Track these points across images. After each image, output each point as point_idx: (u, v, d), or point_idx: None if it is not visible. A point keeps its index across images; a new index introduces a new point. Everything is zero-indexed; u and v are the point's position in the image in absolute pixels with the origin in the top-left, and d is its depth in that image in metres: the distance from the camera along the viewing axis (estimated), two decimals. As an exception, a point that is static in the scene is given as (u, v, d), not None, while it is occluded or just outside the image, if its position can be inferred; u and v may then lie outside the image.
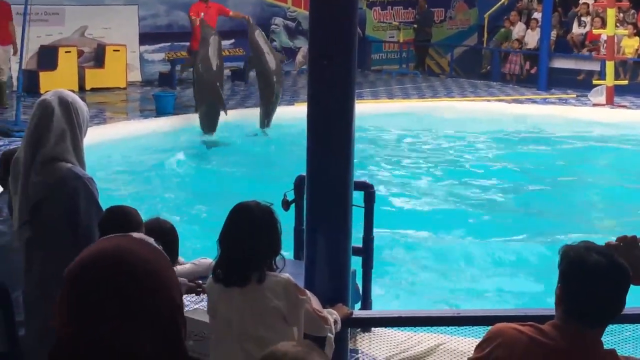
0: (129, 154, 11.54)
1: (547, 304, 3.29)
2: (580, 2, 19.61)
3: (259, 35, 12.90)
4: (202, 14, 13.95)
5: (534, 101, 16.39)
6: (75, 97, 3.90)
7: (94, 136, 9.97)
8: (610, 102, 15.80)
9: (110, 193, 8.37)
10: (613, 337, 4.00)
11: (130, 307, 3.16)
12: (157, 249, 3.15)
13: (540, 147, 12.99)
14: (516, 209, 9.71)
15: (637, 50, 17.78)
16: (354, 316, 4.09)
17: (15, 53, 13.38)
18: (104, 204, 3.81)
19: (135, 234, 3.13)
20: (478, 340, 2.84)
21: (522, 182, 10.84)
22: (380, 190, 7.98)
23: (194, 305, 5.14)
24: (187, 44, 15.75)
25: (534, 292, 6.89)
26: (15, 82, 13.45)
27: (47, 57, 15.95)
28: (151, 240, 3.17)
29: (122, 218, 3.56)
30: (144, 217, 3.85)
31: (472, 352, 2.83)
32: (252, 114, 13.41)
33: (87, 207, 3.73)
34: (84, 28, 16.98)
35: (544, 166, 11.76)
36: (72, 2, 16.78)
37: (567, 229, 8.54)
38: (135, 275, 3.14)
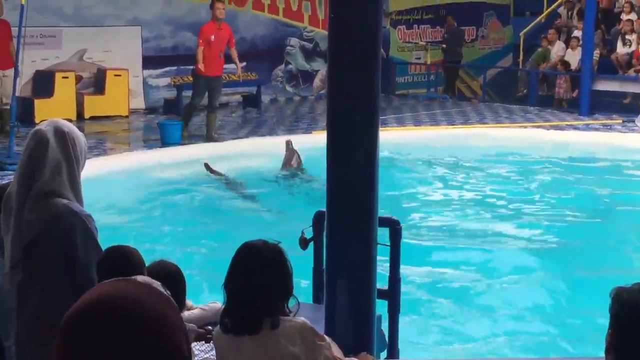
0: (131, 188, 11.56)
1: (596, 352, 3.24)
2: (623, 19, 19.61)
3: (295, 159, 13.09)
4: (213, 37, 14.00)
5: (575, 127, 16.34)
6: (72, 127, 3.91)
7: (93, 169, 10.03)
8: (659, 127, 15.75)
9: (111, 231, 8.35)
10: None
11: (131, 358, 3.13)
12: (164, 296, 3.11)
13: (583, 177, 12.91)
14: (557, 245, 9.64)
15: (688, 70, 17.73)
16: (379, 366, 4.05)
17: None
18: (104, 243, 3.80)
19: (140, 278, 3.09)
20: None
21: (563, 216, 10.77)
22: (407, 227, 7.95)
23: (204, 354, 5.11)
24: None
25: (581, 336, 6.82)
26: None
27: (43, 83, 16.07)
28: (158, 284, 3.13)
29: (122, 259, 3.55)
30: (149, 257, 3.85)
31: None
32: (265, 143, 13.43)
33: (85, 247, 3.72)
34: (83, 51, 17.10)
35: (587, 198, 11.69)
36: (70, 23, 16.93)
37: (615, 267, 8.47)
38: (137, 325, 3.11)
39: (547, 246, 9.62)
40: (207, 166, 12.44)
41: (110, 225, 8.98)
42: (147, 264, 3.88)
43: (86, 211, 3.81)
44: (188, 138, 14.11)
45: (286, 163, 12.94)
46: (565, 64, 19.58)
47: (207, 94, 14.19)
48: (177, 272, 4.03)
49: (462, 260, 8.86)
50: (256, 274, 3.45)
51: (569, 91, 19.38)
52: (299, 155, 12.96)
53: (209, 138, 14.07)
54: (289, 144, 13.11)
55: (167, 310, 3.28)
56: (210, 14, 14.46)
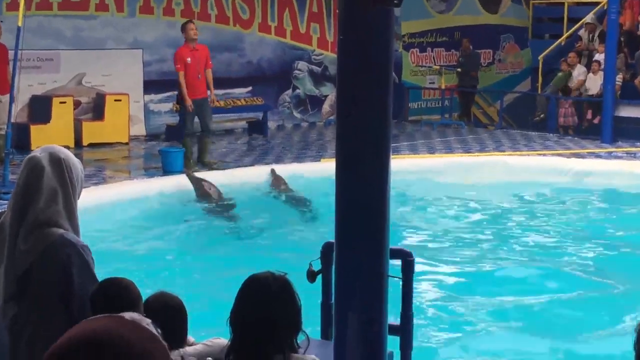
0: (131, 217, 11.57)
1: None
2: (648, 41, 19.65)
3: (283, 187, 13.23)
4: (189, 59, 14.07)
5: (597, 155, 16.31)
6: (68, 154, 3.91)
7: (91, 198, 10.06)
8: (686, 155, 15.73)
9: (109, 262, 8.36)
10: None
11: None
12: (150, 332, 3.07)
13: (606, 208, 12.89)
14: (579, 275, 9.60)
15: None
16: (391, 406, 4.03)
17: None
18: (101, 275, 3.80)
19: (127, 315, 3.06)
20: None
21: (585, 250, 10.73)
22: (420, 259, 7.93)
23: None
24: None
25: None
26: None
27: (40, 108, 16.13)
28: (147, 322, 3.10)
29: (116, 293, 3.54)
30: (149, 290, 3.84)
31: None
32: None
33: (81, 279, 3.72)
34: (82, 75, 17.18)
35: (611, 230, 11.66)
36: (68, 46, 17.01)
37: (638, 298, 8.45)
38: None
39: (567, 277, 9.58)
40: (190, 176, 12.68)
41: (109, 257, 8.98)
42: (147, 296, 3.88)
43: (83, 241, 3.81)
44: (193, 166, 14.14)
45: (273, 189, 13.19)
46: (564, 90, 19.61)
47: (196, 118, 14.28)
48: (178, 305, 4.01)
49: (478, 294, 8.83)
50: (264, 308, 3.43)
51: (574, 118, 19.51)
52: (284, 181, 13.21)
53: (202, 163, 14.13)
54: (273, 171, 13.46)
55: (152, 347, 3.26)
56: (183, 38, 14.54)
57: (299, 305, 3.48)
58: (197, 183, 12.65)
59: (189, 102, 13.97)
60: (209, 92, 14.50)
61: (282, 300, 3.44)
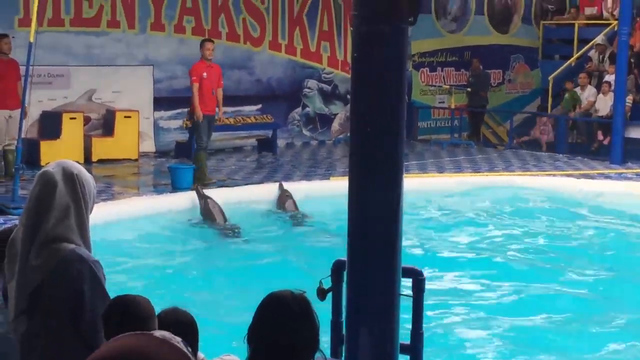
0: (141, 234, 11.58)
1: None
2: (658, 63, 19.65)
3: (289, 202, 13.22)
4: (205, 74, 14.18)
5: (607, 176, 16.29)
6: (80, 169, 3.91)
7: (101, 214, 10.04)
8: (696, 177, 15.69)
9: (119, 278, 8.37)
10: None
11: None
12: (184, 353, 3.02)
13: (616, 230, 12.85)
14: (588, 297, 9.57)
15: None
16: None
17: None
18: (112, 291, 3.79)
19: (158, 333, 3.01)
20: None
21: (596, 273, 10.69)
22: (431, 278, 7.91)
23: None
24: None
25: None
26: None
27: (50, 124, 16.17)
28: (178, 340, 3.05)
29: (130, 310, 3.53)
30: (159, 307, 3.82)
31: None
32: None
33: (92, 294, 3.71)
34: (92, 91, 17.22)
35: (621, 253, 11.61)
36: (79, 62, 17.06)
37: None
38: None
39: (576, 298, 9.55)
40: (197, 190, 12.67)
41: (119, 272, 9.00)
42: (158, 312, 3.86)
43: (94, 257, 3.80)
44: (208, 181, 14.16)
45: (280, 206, 13.11)
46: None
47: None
48: (190, 321, 4.00)
49: (488, 313, 8.80)
50: (285, 328, 3.41)
51: (550, 135, 19.73)
52: (291, 196, 13.17)
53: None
54: (281, 186, 13.47)
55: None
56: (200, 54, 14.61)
57: (318, 325, 3.46)
58: (204, 199, 12.62)
59: (200, 113, 14.03)
60: (217, 110, 14.60)
61: (302, 320, 3.42)
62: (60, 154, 13.85)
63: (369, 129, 3.84)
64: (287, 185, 13.75)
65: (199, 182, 13.72)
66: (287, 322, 3.42)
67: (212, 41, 14.99)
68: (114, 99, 17.40)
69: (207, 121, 14.31)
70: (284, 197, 13.32)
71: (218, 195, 12.85)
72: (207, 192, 12.95)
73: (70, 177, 3.83)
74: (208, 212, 12.47)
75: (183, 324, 3.94)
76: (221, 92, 14.64)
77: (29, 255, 3.75)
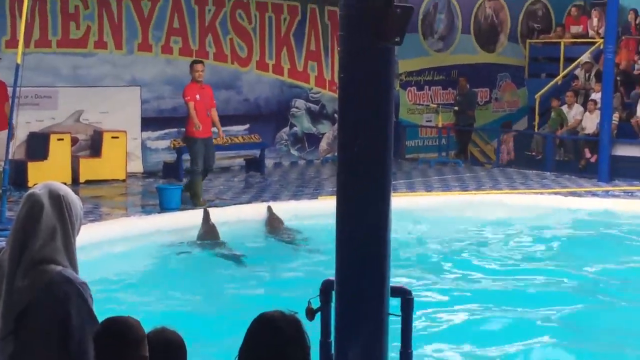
0: (128, 255, 11.55)
1: None
2: (644, 80, 19.74)
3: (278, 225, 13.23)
4: (198, 96, 14.12)
5: (594, 194, 16.34)
6: (67, 190, 3.90)
7: (88, 235, 10.01)
8: (683, 194, 15.74)
9: (107, 300, 8.33)
10: None
11: None
12: None
13: (603, 248, 12.86)
14: (576, 316, 9.56)
15: None
16: None
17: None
18: (100, 313, 3.77)
19: None
20: None
21: (584, 292, 10.68)
22: (419, 297, 7.89)
23: None
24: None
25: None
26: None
27: (37, 145, 16.15)
28: None
29: (121, 332, 3.51)
30: (148, 327, 3.81)
31: None
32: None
33: (79, 316, 3.70)
34: (79, 112, 17.21)
35: (609, 271, 11.61)
36: (67, 83, 17.06)
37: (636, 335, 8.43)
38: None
39: (564, 318, 9.54)
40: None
41: (107, 293, 8.95)
42: (148, 332, 3.84)
43: (81, 278, 3.79)
44: (189, 203, 14.08)
45: (269, 227, 13.14)
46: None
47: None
48: (179, 341, 3.98)
49: (476, 333, 8.79)
50: (276, 349, 3.40)
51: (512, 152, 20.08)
52: (280, 220, 13.16)
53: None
54: (270, 209, 13.41)
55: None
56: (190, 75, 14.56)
57: (309, 345, 3.46)
58: (207, 219, 12.59)
59: (199, 123, 13.94)
60: (214, 130, 14.50)
61: (293, 341, 3.42)
62: (48, 175, 13.82)
63: (357, 148, 3.83)
64: (275, 205, 13.74)
65: (196, 203, 13.74)
66: (278, 343, 3.41)
67: (202, 62, 14.92)
68: (102, 120, 17.39)
69: (203, 144, 14.17)
70: (272, 219, 13.31)
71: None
72: (199, 212, 12.93)
73: (56, 199, 3.82)
74: (208, 232, 12.45)
75: (172, 344, 3.92)
76: (216, 112, 14.58)
77: (15, 277, 3.74)
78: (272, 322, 3.46)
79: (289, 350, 3.40)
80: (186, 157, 17.30)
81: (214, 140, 14.69)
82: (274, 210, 13.51)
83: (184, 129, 14.71)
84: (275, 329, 3.44)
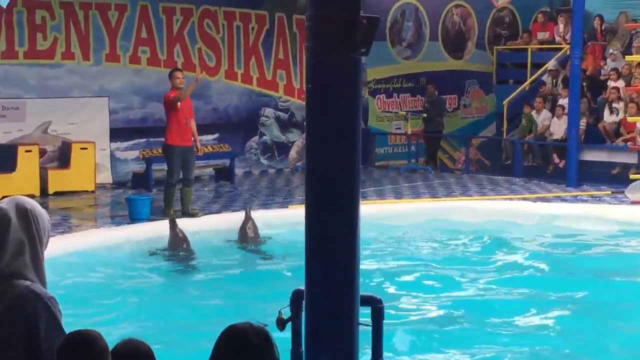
0: (98, 267, 11.47)
1: None
2: (610, 86, 19.88)
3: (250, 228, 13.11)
4: (179, 104, 14.01)
5: (563, 199, 16.44)
6: (34, 204, 3.88)
7: (57, 247, 9.97)
8: (650, 198, 15.86)
9: (76, 314, 8.28)
10: None
11: None
12: None
13: (572, 253, 12.94)
14: (548, 329, 9.60)
15: (678, 139, 17.93)
16: None
17: None
18: (69, 326, 3.75)
19: None
20: None
21: (553, 296, 10.74)
22: (389, 306, 7.91)
23: None
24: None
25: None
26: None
27: (5, 157, 16.03)
28: None
29: (84, 345, 3.50)
30: (117, 338, 3.79)
31: None
32: (239, 220, 13.39)
33: (48, 331, 3.68)
34: (47, 124, 17.12)
35: (578, 276, 11.68)
36: (34, 94, 16.97)
37: (605, 339, 8.46)
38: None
39: (533, 323, 9.59)
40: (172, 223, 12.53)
41: (75, 308, 8.89)
42: (115, 344, 3.83)
43: (50, 293, 3.77)
44: (159, 213, 14.02)
45: (242, 232, 13.01)
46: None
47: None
48: (146, 351, 3.97)
49: (448, 341, 8.81)
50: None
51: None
52: (255, 226, 13.04)
53: (185, 213, 14.01)
54: (247, 211, 13.25)
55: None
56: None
57: (278, 357, 3.46)
58: (174, 229, 12.50)
59: (193, 87, 13.96)
60: (194, 141, 14.37)
61: (262, 353, 3.41)
62: (16, 187, 13.79)
63: (325, 159, 3.84)
64: (243, 215, 13.64)
65: (167, 213, 13.67)
66: (247, 355, 3.40)
67: (181, 70, 14.84)
68: (70, 131, 17.31)
69: (181, 155, 14.01)
70: (246, 225, 13.16)
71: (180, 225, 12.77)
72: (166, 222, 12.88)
73: (23, 213, 3.80)
74: (177, 242, 12.38)
75: (140, 355, 3.91)
76: (194, 123, 14.43)
77: (-18, 293, 3.71)
78: (240, 333, 3.46)
79: None
80: (156, 167, 17.33)
81: (205, 149, 14.62)
82: (251, 215, 13.32)
83: (163, 138, 14.49)
84: (243, 341, 3.43)
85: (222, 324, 3.61)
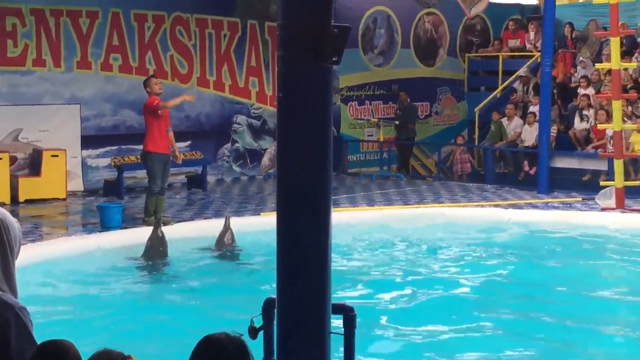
0: (69, 275, 11.41)
1: None
2: (580, 93, 20.02)
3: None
4: (159, 111, 13.91)
5: (534, 206, 16.53)
6: (5, 214, 3.87)
7: (28, 255, 9.91)
8: (620, 205, 15.97)
9: (48, 324, 8.24)
10: None
11: None
12: None
13: (544, 258, 13.00)
14: (518, 333, 9.64)
15: (648, 146, 18.07)
16: None
17: None
18: (40, 336, 3.74)
19: None
20: None
21: (524, 302, 10.79)
22: (361, 314, 7.92)
23: None
24: (137, 147, 15.81)
25: None
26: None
27: (-25, 165, 15.94)
28: None
29: (56, 355, 3.49)
30: (90, 350, 3.78)
31: None
32: (211, 227, 13.37)
33: (19, 342, 3.67)
34: (18, 131, 17.03)
35: (549, 281, 11.75)
36: (5, 101, 16.89)
37: (577, 345, 8.50)
38: None
39: (507, 332, 9.62)
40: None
41: (47, 317, 8.85)
42: (91, 355, 3.82)
43: (21, 303, 3.76)
44: (131, 221, 13.98)
45: (220, 239, 12.94)
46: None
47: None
48: (124, 360, 3.97)
49: (420, 349, 8.83)
50: None
51: (467, 164, 21.01)
52: (233, 234, 12.97)
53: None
54: (227, 219, 13.14)
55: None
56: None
57: None
58: (155, 235, 12.41)
59: (178, 100, 14.04)
60: (171, 149, 14.26)
61: None
62: (-14, 195, 13.69)
63: (296, 167, 3.85)
64: (218, 222, 13.56)
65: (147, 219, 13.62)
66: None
67: (155, 76, 14.79)
68: (41, 138, 17.22)
69: (162, 163, 13.92)
70: (225, 233, 13.07)
71: (146, 234, 12.71)
72: (141, 230, 12.82)
73: (-6, 223, 3.79)
74: (154, 248, 12.32)
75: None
76: (172, 132, 14.24)
77: (-47, 303, 3.69)
78: (216, 343, 3.47)
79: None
80: (128, 174, 17.27)
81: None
82: (230, 224, 13.23)
83: (135, 145, 14.39)
84: (219, 351, 3.44)
85: (196, 334, 3.62)
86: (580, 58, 21.74)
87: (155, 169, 13.93)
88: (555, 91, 19.98)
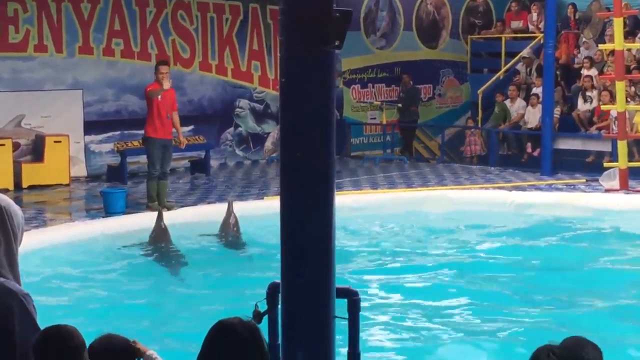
0: (73, 261, 11.43)
1: None
2: (583, 74, 19.97)
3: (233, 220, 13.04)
4: (160, 97, 13.92)
5: (537, 188, 16.51)
6: (8, 201, 3.87)
7: (31, 242, 9.93)
8: (624, 186, 15.94)
9: (51, 309, 8.26)
10: None
11: None
12: None
13: (548, 240, 13.00)
14: (523, 315, 9.64)
15: (652, 127, 18.04)
16: None
17: None
18: (44, 322, 3.75)
19: None
20: None
21: (529, 283, 10.80)
22: (366, 298, 7.93)
23: None
24: (139, 132, 15.81)
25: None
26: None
27: (-22, 151, 15.95)
28: None
29: (59, 340, 3.50)
30: (95, 334, 3.79)
31: None
32: (215, 211, 13.37)
33: (22, 328, 3.67)
34: (21, 117, 17.03)
35: (553, 263, 11.74)
36: (7, 88, 16.87)
37: (579, 327, 8.48)
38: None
39: (512, 315, 9.63)
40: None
41: (51, 303, 8.87)
42: (93, 340, 3.83)
43: (24, 290, 3.77)
44: (134, 206, 13.99)
45: (224, 225, 12.92)
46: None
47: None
48: (127, 346, 3.97)
49: (424, 332, 8.84)
50: (235, 355, 3.40)
51: (477, 147, 20.59)
52: (237, 219, 12.97)
53: (161, 206, 13.96)
54: (230, 204, 13.13)
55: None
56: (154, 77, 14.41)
57: (267, 350, 3.47)
58: (160, 222, 12.42)
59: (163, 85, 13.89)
60: (174, 133, 14.31)
61: (252, 347, 3.43)
62: (-10, 182, 13.70)
63: (299, 151, 3.85)
64: (222, 206, 13.56)
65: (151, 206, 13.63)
66: (237, 349, 3.41)
67: (167, 64, 14.75)
68: (44, 124, 17.22)
69: (161, 147, 13.99)
70: (229, 219, 13.05)
71: (150, 219, 12.71)
72: (145, 215, 12.81)
73: (-2, 210, 3.79)
74: (160, 235, 12.32)
75: (118, 350, 3.91)
76: (176, 116, 14.35)
77: (-43, 290, 3.70)
78: (230, 328, 3.48)
79: (247, 356, 3.42)
80: (131, 159, 17.28)
81: (173, 143, 14.55)
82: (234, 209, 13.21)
83: (137, 130, 14.44)
84: (233, 335, 3.45)
85: (201, 319, 3.62)
86: (583, 39, 21.67)
87: (153, 154, 14.01)
88: (558, 72, 19.93)
